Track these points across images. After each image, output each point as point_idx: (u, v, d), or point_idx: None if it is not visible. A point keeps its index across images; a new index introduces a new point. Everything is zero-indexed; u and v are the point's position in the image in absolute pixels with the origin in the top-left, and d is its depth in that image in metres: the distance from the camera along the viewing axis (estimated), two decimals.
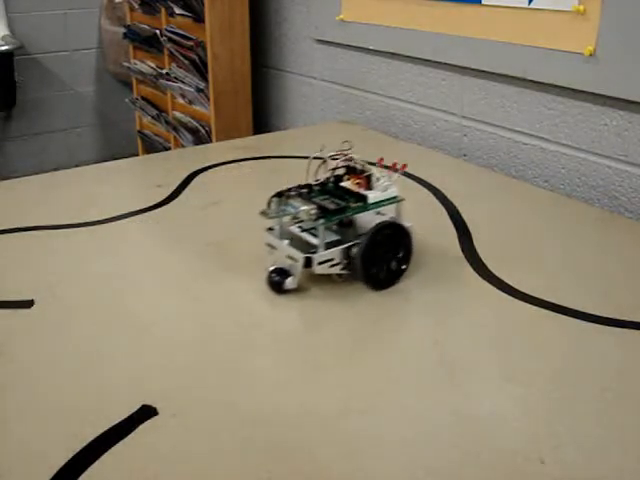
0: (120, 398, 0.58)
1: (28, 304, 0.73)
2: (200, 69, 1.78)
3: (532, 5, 1.10)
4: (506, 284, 0.78)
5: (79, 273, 0.81)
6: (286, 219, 0.77)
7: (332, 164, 0.79)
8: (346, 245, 0.73)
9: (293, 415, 0.56)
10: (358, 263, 0.73)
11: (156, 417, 0.56)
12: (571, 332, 0.68)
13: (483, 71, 1.24)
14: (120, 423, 0.55)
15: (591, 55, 1.03)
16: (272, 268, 0.76)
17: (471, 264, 0.83)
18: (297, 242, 0.75)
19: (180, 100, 1.95)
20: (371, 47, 1.48)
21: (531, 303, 0.74)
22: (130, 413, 0.56)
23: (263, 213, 0.75)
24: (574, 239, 0.90)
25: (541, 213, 0.99)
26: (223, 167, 1.20)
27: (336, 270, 0.74)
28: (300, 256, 0.72)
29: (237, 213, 1.00)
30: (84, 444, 0.52)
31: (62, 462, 0.51)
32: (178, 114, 1.97)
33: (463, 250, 0.86)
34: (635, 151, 1.03)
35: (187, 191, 1.08)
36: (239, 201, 1.04)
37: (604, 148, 1.08)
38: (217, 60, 1.73)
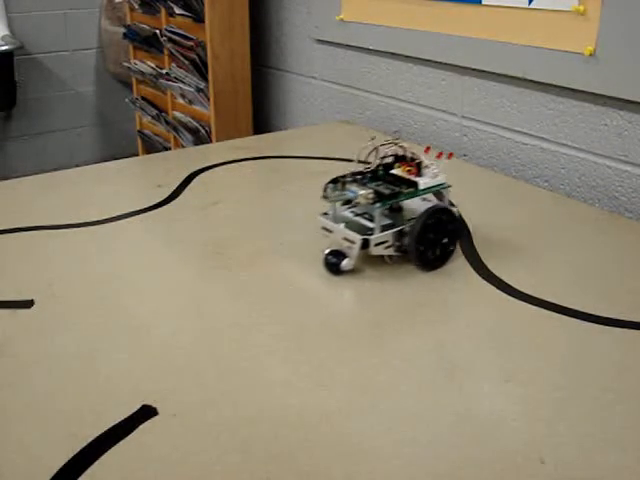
0: (120, 398, 0.58)
1: (28, 304, 0.73)
2: (200, 69, 1.78)
3: (532, 5, 1.10)
4: (506, 284, 0.78)
5: (79, 273, 0.81)
6: (338, 204, 0.82)
7: (382, 152, 0.83)
8: (399, 228, 0.78)
9: (293, 415, 0.56)
10: (412, 245, 0.77)
11: (156, 417, 0.56)
12: (571, 332, 0.68)
13: (483, 71, 1.24)
14: (120, 423, 0.55)
15: (591, 55, 1.03)
16: (328, 251, 0.80)
17: (471, 264, 0.83)
18: (351, 225, 0.80)
19: (180, 100, 1.95)
20: (371, 47, 1.48)
21: (531, 303, 0.74)
22: (130, 413, 0.56)
23: (324, 197, 0.80)
24: (574, 239, 0.90)
25: (541, 213, 0.99)
26: (223, 167, 1.20)
27: (390, 252, 0.79)
28: (358, 238, 0.76)
29: (237, 213, 1.00)
30: (84, 444, 0.52)
31: (62, 462, 0.51)
32: (178, 114, 1.97)
33: (463, 250, 0.86)
34: (635, 151, 1.03)
35: (187, 191, 1.08)
36: (239, 201, 1.04)
37: (604, 148, 1.08)
38: (217, 60, 1.73)
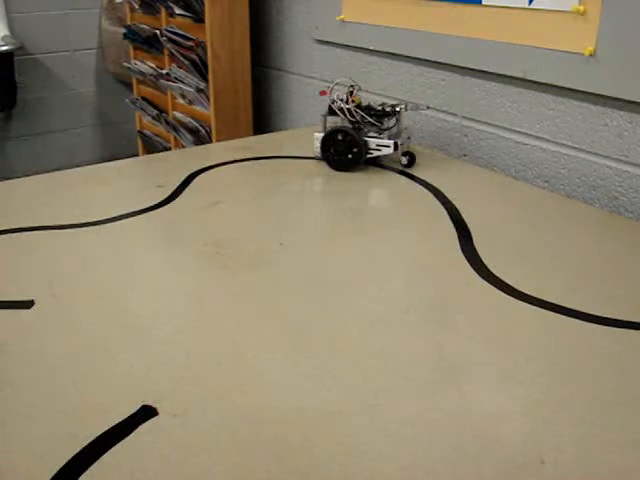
0: (120, 398, 0.58)
1: (28, 304, 0.73)
2: (200, 69, 1.78)
3: (532, 5, 1.10)
4: (506, 284, 0.78)
5: (79, 273, 0.81)
6: None
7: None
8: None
9: (293, 415, 0.56)
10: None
11: (156, 417, 0.56)
12: (571, 332, 0.68)
13: (483, 71, 1.24)
14: (120, 423, 0.55)
15: (591, 55, 1.03)
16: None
17: (471, 264, 0.83)
18: None
19: (180, 100, 1.96)
20: (371, 47, 1.48)
21: (531, 303, 0.74)
22: (130, 413, 0.56)
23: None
24: (574, 239, 0.90)
25: (541, 213, 0.99)
26: (223, 167, 1.20)
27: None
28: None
29: (237, 213, 1.00)
30: (84, 444, 0.52)
31: (62, 462, 0.51)
32: (178, 114, 1.97)
33: (463, 250, 0.86)
34: (635, 151, 1.03)
35: (187, 191, 1.08)
36: (239, 201, 1.04)
37: (604, 148, 1.08)
38: (217, 60, 1.73)
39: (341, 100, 1.17)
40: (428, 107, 1.27)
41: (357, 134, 1.15)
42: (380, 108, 1.18)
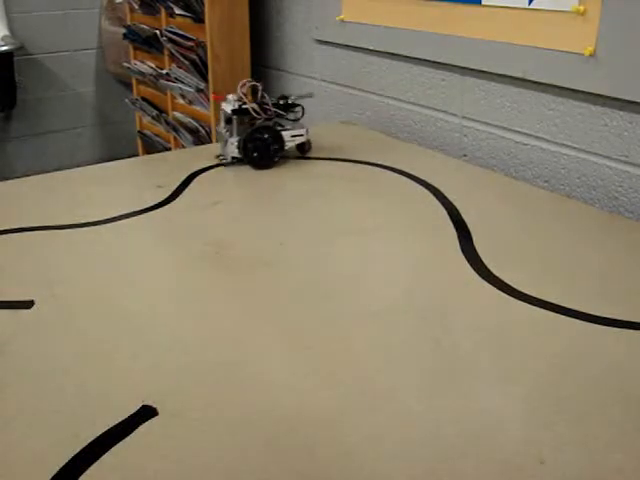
0: (120, 398, 0.58)
1: (28, 304, 0.73)
2: (200, 69, 1.78)
3: (532, 5, 1.10)
4: (506, 284, 0.78)
5: (79, 273, 0.81)
6: None
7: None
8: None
9: (293, 415, 0.56)
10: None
11: (156, 417, 0.56)
12: (571, 332, 0.68)
13: (483, 71, 1.24)
14: (120, 423, 0.55)
15: (591, 55, 1.03)
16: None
17: (471, 264, 0.83)
18: None
19: (180, 100, 1.95)
20: (371, 47, 1.48)
21: (531, 303, 0.74)
22: (130, 413, 0.56)
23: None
24: (574, 239, 0.90)
25: (541, 213, 0.99)
26: (223, 167, 1.20)
27: None
28: None
29: (237, 213, 1.00)
30: (84, 444, 0.52)
31: (62, 462, 0.51)
32: (178, 114, 1.97)
33: (463, 250, 0.86)
34: (635, 151, 1.03)
35: (187, 191, 1.08)
36: (239, 201, 1.04)
37: (604, 148, 1.07)
38: (217, 60, 1.73)
39: (241, 99, 1.18)
40: (311, 96, 1.28)
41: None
42: (282, 102, 1.21)
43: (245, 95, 1.18)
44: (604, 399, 0.58)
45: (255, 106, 1.17)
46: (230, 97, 1.19)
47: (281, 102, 1.21)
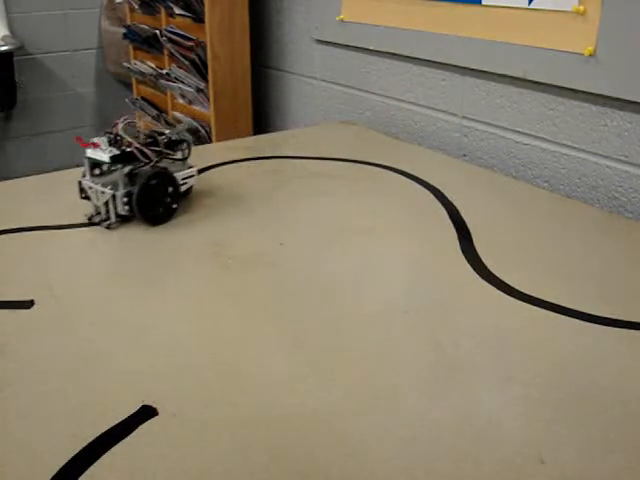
0: (120, 398, 0.58)
1: (28, 304, 0.73)
2: (200, 69, 1.78)
3: (532, 5, 1.10)
4: (506, 284, 0.78)
5: (79, 273, 0.81)
6: None
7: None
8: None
9: (293, 415, 0.56)
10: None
11: (156, 417, 0.56)
12: (571, 332, 0.68)
13: (483, 71, 1.24)
14: (120, 423, 0.55)
15: (591, 55, 1.03)
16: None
17: (471, 264, 0.83)
18: None
19: (180, 100, 1.95)
20: (371, 47, 1.48)
21: (531, 303, 0.74)
22: (130, 413, 0.56)
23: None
24: (574, 239, 0.90)
25: (541, 213, 0.99)
26: (223, 167, 1.20)
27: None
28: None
29: (237, 213, 1.00)
30: (84, 444, 0.52)
31: (62, 462, 0.51)
32: (178, 114, 1.97)
33: (463, 250, 0.86)
34: (635, 151, 1.03)
35: None
36: (239, 201, 1.04)
37: (604, 148, 1.08)
38: (217, 60, 1.73)
39: (117, 142, 0.93)
40: (193, 128, 1.14)
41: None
42: (165, 139, 0.97)
43: (122, 136, 0.93)
44: (604, 399, 0.58)
45: (142, 148, 0.93)
46: (101, 141, 0.92)
47: (164, 140, 0.96)
